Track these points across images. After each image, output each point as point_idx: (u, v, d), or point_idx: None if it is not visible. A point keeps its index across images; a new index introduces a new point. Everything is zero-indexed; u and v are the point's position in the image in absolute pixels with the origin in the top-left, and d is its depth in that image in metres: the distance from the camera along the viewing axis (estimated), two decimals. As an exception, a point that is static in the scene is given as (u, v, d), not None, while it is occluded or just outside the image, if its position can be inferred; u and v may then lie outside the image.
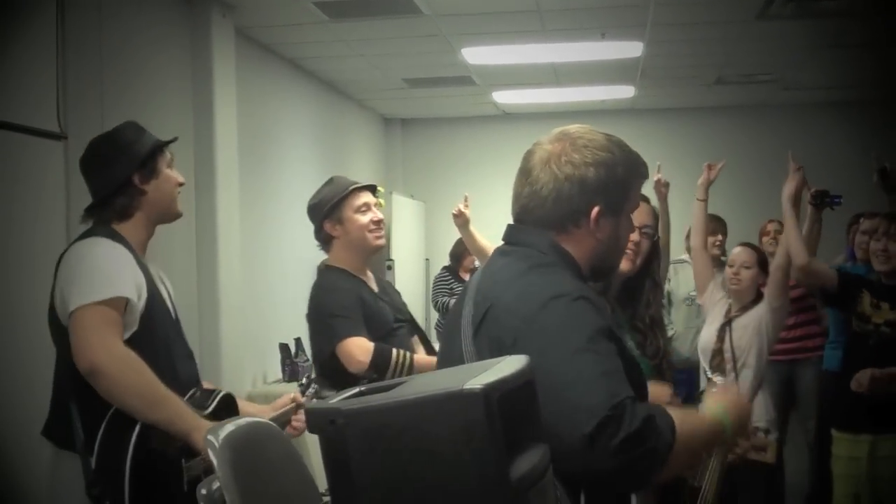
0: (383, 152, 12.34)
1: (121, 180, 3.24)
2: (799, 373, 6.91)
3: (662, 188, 5.62)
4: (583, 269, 2.34)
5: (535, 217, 2.32)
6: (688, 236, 6.41)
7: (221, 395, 3.29)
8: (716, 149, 11.15)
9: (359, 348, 4.10)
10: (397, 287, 9.84)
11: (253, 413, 3.64)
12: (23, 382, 4.40)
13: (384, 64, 9.17)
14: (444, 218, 11.65)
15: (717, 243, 6.65)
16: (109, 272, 3.06)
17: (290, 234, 8.69)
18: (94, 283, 3.01)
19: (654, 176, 5.78)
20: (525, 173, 2.34)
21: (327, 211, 4.28)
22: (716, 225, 6.60)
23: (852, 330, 4.99)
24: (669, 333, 6.70)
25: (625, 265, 3.30)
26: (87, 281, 3.02)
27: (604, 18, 7.59)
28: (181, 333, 3.37)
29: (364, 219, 4.28)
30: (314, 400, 3.89)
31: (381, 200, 4.49)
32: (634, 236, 3.38)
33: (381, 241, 4.39)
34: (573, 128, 2.37)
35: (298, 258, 9.02)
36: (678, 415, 2.10)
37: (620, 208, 2.36)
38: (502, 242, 2.43)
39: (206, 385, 3.47)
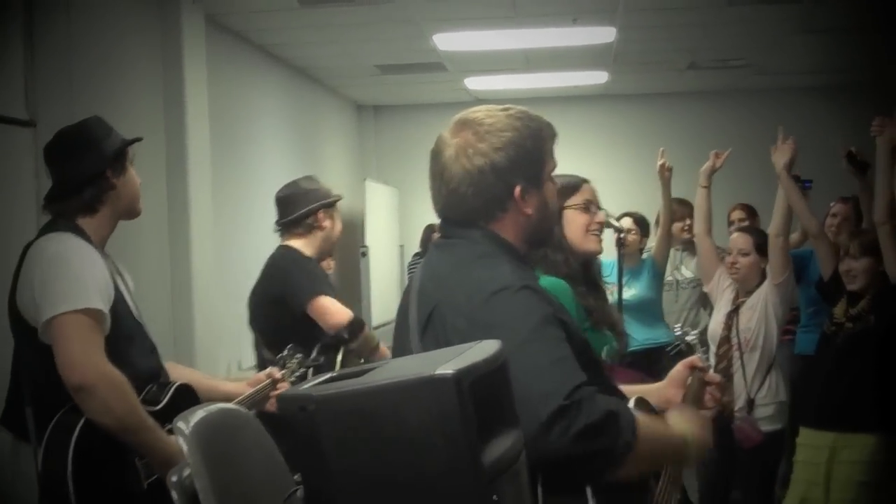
0: (356, 139, 12.32)
1: (93, 172, 3.22)
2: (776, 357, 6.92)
3: (666, 172, 5.64)
4: (519, 248, 2.36)
5: (460, 212, 2.33)
6: (657, 221, 6.44)
7: (175, 387, 3.25)
8: (689, 134, 11.22)
9: (335, 306, 4.25)
10: (372, 273, 9.87)
11: (230, 391, 3.65)
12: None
13: (356, 50, 9.13)
14: (417, 204, 11.68)
15: (686, 227, 6.66)
16: (85, 279, 3.04)
17: (262, 222, 8.60)
18: (71, 291, 2.99)
19: (658, 160, 5.79)
20: (438, 174, 2.33)
21: (330, 202, 4.48)
22: (683, 209, 6.61)
23: (822, 332, 5.02)
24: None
25: (595, 246, 3.44)
26: (63, 287, 3.00)
27: (576, 3, 7.58)
28: (142, 329, 3.33)
29: (340, 226, 4.65)
30: (300, 370, 3.92)
31: None
32: (600, 217, 3.42)
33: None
34: (470, 114, 2.35)
35: (271, 245, 9.00)
36: (645, 419, 2.12)
37: (540, 177, 2.37)
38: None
39: (169, 368, 3.46)
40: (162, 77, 6.60)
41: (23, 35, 4.98)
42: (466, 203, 2.30)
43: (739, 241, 5.33)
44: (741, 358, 5.12)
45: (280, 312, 4.48)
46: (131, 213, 3.42)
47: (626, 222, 6.44)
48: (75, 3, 5.45)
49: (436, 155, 2.35)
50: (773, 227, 5.17)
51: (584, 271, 3.44)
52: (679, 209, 6.57)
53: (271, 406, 3.70)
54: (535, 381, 1.98)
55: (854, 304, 4.83)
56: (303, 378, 3.97)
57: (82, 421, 2.91)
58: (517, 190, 2.30)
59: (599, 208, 3.48)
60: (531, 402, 1.95)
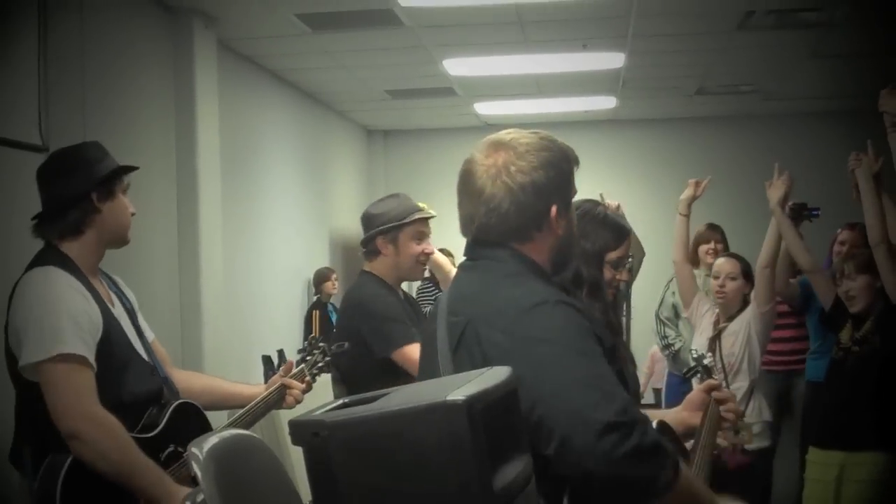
0: (365, 163, 12.34)
1: (77, 193, 3.18)
2: (794, 382, 6.92)
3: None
4: (545, 269, 2.34)
5: (497, 233, 2.29)
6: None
7: (174, 406, 3.22)
8: (697, 160, 11.21)
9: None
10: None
11: (252, 394, 3.62)
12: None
13: (366, 75, 9.17)
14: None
15: (710, 251, 6.64)
16: (61, 325, 2.98)
17: (272, 245, 8.68)
18: (48, 337, 2.96)
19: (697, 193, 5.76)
20: (475, 194, 2.30)
21: (386, 229, 4.28)
22: (711, 233, 6.64)
23: (832, 357, 5.04)
24: (677, 346, 6.74)
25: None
26: (41, 334, 2.97)
27: (585, 30, 7.60)
28: (139, 353, 3.28)
29: (418, 248, 4.30)
30: (324, 360, 3.88)
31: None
32: (624, 274, 3.38)
33: (424, 275, 4.51)
34: (502, 136, 2.34)
35: (281, 269, 9.04)
36: (688, 471, 2.09)
37: (569, 200, 2.37)
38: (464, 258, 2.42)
39: (189, 377, 3.48)
40: (174, 101, 6.64)
41: (36, 60, 5.00)
42: (506, 222, 2.27)
43: (727, 266, 5.34)
44: (726, 380, 5.13)
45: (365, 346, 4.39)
46: (118, 241, 3.34)
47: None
48: (88, 28, 5.49)
49: (467, 176, 2.33)
50: (761, 258, 5.19)
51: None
52: (707, 233, 6.59)
53: (287, 404, 3.69)
54: (582, 393, 1.97)
55: (858, 328, 4.85)
56: (326, 368, 3.96)
57: (70, 459, 2.89)
58: (554, 210, 2.30)
59: (628, 263, 3.45)
60: (580, 413, 1.93)
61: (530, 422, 1.98)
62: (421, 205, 4.37)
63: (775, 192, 5.14)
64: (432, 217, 4.41)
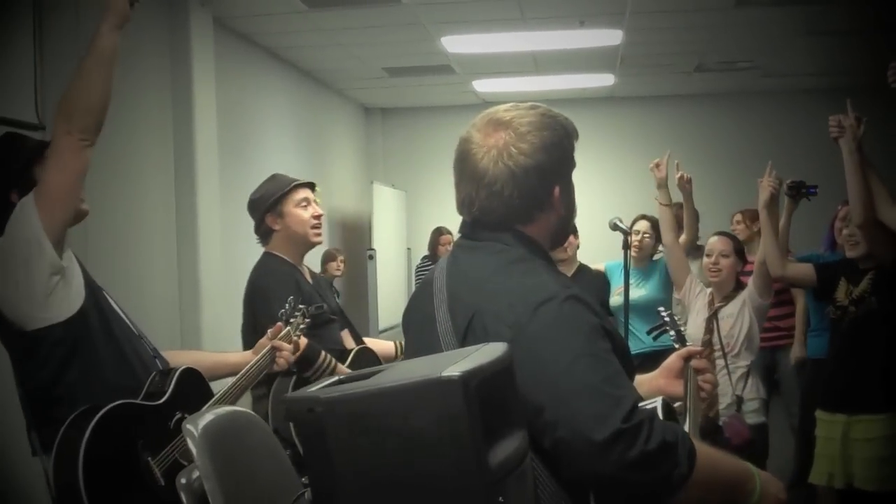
0: (364, 142, 12.32)
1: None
2: (779, 359, 6.98)
3: (686, 185, 5.65)
4: (546, 247, 2.32)
5: (498, 215, 2.25)
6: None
7: (179, 373, 3.21)
8: (695, 137, 11.22)
9: None
10: (379, 277, 9.80)
11: (237, 362, 3.66)
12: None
13: (364, 53, 9.15)
14: (425, 207, 11.69)
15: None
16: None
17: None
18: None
19: (674, 174, 5.80)
20: (476, 176, 2.25)
21: (270, 205, 4.38)
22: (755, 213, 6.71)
23: (829, 318, 5.12)
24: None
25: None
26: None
27: (583, 6, 7.59)
28: (125, 320, 3.31)
29: (305, 213, 4.41)
30: (306, 322, 3.92)
31: (318, 199, 4.61)
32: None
33: (320, 238, 4.54)
34: (500, 114, 2.30)
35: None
36: (705, 450, 2.05)
37: (570, 177, 2.34)
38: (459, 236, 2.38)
39: (170, 356, 3.46)
40: (170, 80, 6.62)
41: (33, 39, 4.99)
42: (509, 205, 2.23)
43: (719, 244, 5.37)
44: (725, 361, 5.16)
45: (249, 319, 4.49)
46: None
47: (643, 225, 6.47)
48: (84, 6, 5.47)
49: (465, 156, 2.29)
50: (759, 254, 5.26)
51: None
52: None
53: (278, 366, 3.73)
54: (588, 401, 1.94)
55: (855, 285, 4.93)
56: (310, 330, 3.99)
57: (89, 431, 2.86)
58: (556, 190, 2.27)
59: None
60: (587, 421, 1.91)
61: (538, 425, 1.96)
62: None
63: (763, 192, 5.16)
64: (308, 184, 4.52)
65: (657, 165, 5.77)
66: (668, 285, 6.41)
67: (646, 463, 1.89)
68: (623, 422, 1.90)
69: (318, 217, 4.45)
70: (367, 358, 4.43)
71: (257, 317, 4.30)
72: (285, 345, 3.76)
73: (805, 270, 5.22)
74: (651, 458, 1.90)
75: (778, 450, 6.53)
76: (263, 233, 4.49)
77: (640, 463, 1.89)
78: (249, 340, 4.29)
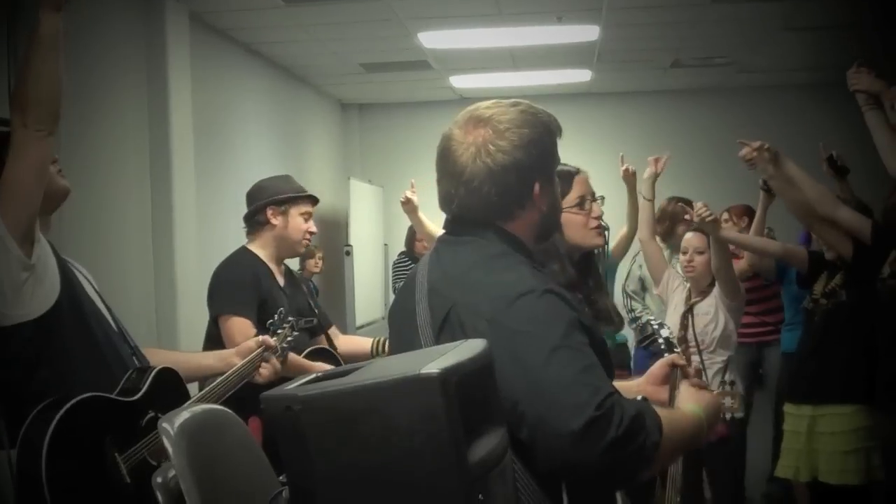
0: (341, 137, 12.29)
1: None
2: (765, 354, 7.01)
3: (631, 177, 5.65)
4: (528, 244, 2.33)
5: (477, 212, 2.27)
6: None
7: (156, 371, 3.18)
8: (672, 133, 11.23)
9: (239, 331, 4.15)
10: (357, 273, 9.74)
11: (212, 365, 3.64)
12: None
13: (340, 49, 9.12)
14: (402, 203, 11.65)
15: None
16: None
17: (247, 221, 8.63)
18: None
19: (620, 166, 5.82)
20: (455, 173, 2.26)
21: (278, 200, 4.38)
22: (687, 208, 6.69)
23: (805, 309, 5.20)
24: (643, 319, 6.73)
25: (598, 241, 3.43)
26: None
27: (560, 2, 7.59)
28: (104, 315, 3.29)
29: (305, 225, 4.48)
30: (293, 335, 3.90)
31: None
32: (596, 211, 3.40)
33: (302, 250, 4.70)
34: (481, 111, 2.30)
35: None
36: (663, 413, 2.09)
37: (552, 173, 2.35)
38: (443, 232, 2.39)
39: (149, 353, 3.42)
40: (146, 75, 6.58)
41: (6, 33, 4.94)
42: (486, 202, 2.24)
43: (695, 240, 5.39)
44: (700, 357, 5.19)
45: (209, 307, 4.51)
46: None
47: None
48: (58, 1, 5.43)
49: (446, 153, 2.29)
50: (714, 263, 5.25)
51: (587, 265, 3.44)
52: (683, 209, 6.61)
53: (261, 377, 3.69)
54: (564, 391, 1.95)
55: (832, 279, 4.99)
56: (295, 344, 3.99)
57: (55, 422, 2.81)
58: (536, 187, 2.28)
59: (594, 198, 3.44)
60: (562, 414, 1.92)
61: (513, 416, 1.97)
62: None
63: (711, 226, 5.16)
64: (316, 201, 4.63)
65: (656, 161, 5.73)
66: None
67: (619, 444, 1.91)
68: (596, 409, 1.91)
69: (311, 233, 4.55)
70: (325, 358, 4.42)
71: (212, 305, 4.33)
72: (274, 360, 3.74)
73: (802, 251, 5.35)
74: (623, 437, 1.92)
75: (762, 444, 6.57)
76: (256, 222, 4.47)
77: (613, 445, 1.90)
78: (211, 332, 4.29)
